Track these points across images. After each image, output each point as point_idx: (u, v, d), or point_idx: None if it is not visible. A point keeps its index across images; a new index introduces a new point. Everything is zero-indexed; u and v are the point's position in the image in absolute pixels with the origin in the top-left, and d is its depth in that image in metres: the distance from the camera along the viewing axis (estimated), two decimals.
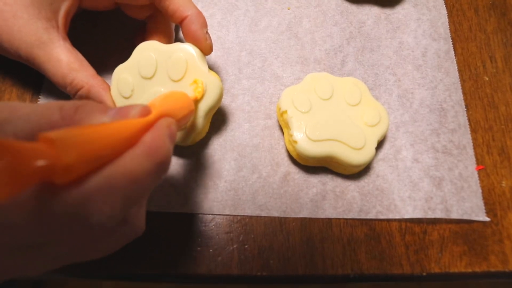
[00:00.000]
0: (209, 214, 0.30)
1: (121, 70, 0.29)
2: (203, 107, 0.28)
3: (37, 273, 0.18)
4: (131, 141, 0.17)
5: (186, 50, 0.28)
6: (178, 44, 0.28)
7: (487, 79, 0.35)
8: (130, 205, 0.17)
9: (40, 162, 0.12)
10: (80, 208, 0.15)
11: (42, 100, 0.32)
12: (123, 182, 0.16)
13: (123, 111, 0.18)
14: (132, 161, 0.16)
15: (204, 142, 0.32)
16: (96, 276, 0.29)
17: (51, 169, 0.13)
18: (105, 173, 0.15)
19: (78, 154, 0.14)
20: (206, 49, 0.28)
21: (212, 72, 0.29)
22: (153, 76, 0.28)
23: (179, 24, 0.28)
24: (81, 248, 0.18)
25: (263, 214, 0.30)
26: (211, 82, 0.28)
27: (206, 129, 0.30)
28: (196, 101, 0.27)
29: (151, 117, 0.19)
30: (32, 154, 0.12)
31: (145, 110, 0.19)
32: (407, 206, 0.30)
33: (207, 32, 0.28)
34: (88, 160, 0.15)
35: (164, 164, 0.18)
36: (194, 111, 0.27)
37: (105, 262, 0.28)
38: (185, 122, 0.25)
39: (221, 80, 0.32)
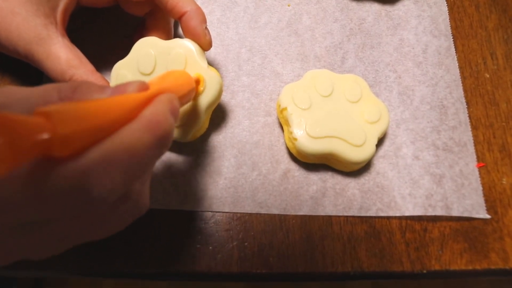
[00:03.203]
0: (208, 211, 0.30)
1: (120, 67, 0.29)
2: (203, 103, 0.28)
3: (43, 256, 0.18)
4: (130, 115, 0.17)
5: (185, 46, 0.28)
6: (177, 40, 0.28)
7: (488, 76, 0.35)
8: (131, 179, 0.17)
9: (38, 135, 0.12)
10: (80, 181, 0.14)
11: None
12: (123, 155, 0.15)
13: (121, 88, 0.18)
14: (132, 135, 0.16)
15: (204, 139, 0.31)
16: (96, 274, 0.29)
17: (49, 142, 0.13)
18: (104, 147, 0.15)
19: (75, 126, 0.14)
20: (205, 45, 0.28)
21: (211, 68, 0.28)
22: (152, 72, 0.28)
23: (178, 20, 0.28)
24: (84, 227, 0.17)
25: (263, 211, 0.30)
26: (210, 77, 0.28)
27: (206, 125, 0.30)
28: (197, 84, 0.27)
29: (150, 92, 0.19)
30: (30, 128, 0.12)
31: (143, 86, 0.19)
32: (408, 204, 0.30)
33: (206, 27, 0.28)
34: (86, 133, 0.15)
35: (165, 139, 0.18)
36: (195, 90, 0.26)
37: (105, 260, 0.28)
38: (187, 100, 0.24)
39: (221, 76, 0.32)
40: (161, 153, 0.18)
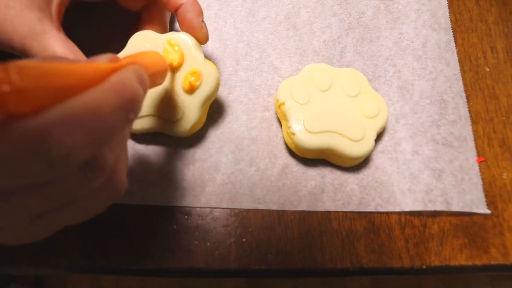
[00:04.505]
0: (206, 207, 0.30)
1: None
2: (200, 96, 0.28)
3: (12, 240, 0.17)
4: (97, 81, 0.17)
5: (181, 39, 0.27)
6: (173, 33, 0.28)
7: (488, 70, 0.35)
8: (96, 142, 0.16)
9: None
10: (38, 138, 0.14)
11: None
12: (85, 114, 0.15)
13: (92, 58, 0.18)
14: (96, 95, 0.16)
15: (201, 134, 0.31)
16: (94, 271, 0.29)
17: (6, 95, 0.12)
18: (66, 105, 0.15)
19: (36, 82, 0.13)
20: (202, 38, 0.28)
21: (208, 61, 0.28)
22: None
23: (174, 13, 0.28)
24: (55, 202, 0.17)
25: (261, 207, 0.29)
26: (207, 71, 0.27)
27: (203, 119, 0.30)
28: (173, 68, 0.27)
29: (119, 63, 0.19)
30: None
31: (113, 57, 0.19)
32: (407, 199, 0.30)
33: (202, 20, 0.28)
34: (48, 90, 0.14)
35: (130, 102, 0.17)
36: (167, 71, 0.26)
37: (103, 256, 0.28)
38: (159, 79, 0.24)
39: (218, 70, 0.31)
40: (128, 119, 0.18)
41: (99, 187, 0.18)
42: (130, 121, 0.18)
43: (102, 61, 0.18)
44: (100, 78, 0.17)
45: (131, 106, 0.17)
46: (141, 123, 0.29)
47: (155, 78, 0.23)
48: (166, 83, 0.28)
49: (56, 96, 0.14)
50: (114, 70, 0.18)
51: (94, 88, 0.16)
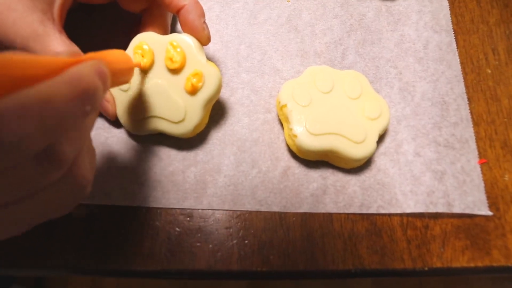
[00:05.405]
0: (208, 209, 0.30)
1: None
2: (202, 97, 0.28)
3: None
4: (56, 73, 0.17)
5: (183, 40, 0.27)
6: (175, 34, 0.28)
7: (489, 71, 0.35)
8: (49, 132, 0.16)
9: None
10: None
11: None
12: (38, 104, 0.15)
13: (54, 54, 0.18)
14: (50, 86, 0.16)
15: (203, 136, 0.31)
16: (96, 273, 0.29)
17: None
18: (19, 94, 0.15)
19: None
20: (204, 40, 0.28)
21: (210, 63, 0.28)
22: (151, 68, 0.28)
23: (176, 14, 0.28)
24: (13, 194, 0.17)
25: (263, 209, 0.29)
26: (209, 72, 0.27)
27: (206, 120, 0.30)
28: (143, 69, 0.28)
29: (80, 58, 0.19)
30: None
31: (75, 54, 0.19)
32: (409, 201, 0.30)
33: (204, 22, 0.28)
34: (2, 79, 0.14)
35: (86, 94, 0.17)
36: (134, 70, 0.27)
37: (104, 258, 0.28)
38: (124, 76, 0.25)
39: (220, 71, 0.31)
40: (83, 111, 0.18)
41: (60, 181, 0.18)
42: (86, 113, 0.18)
43: (64, 55, 0.18)
44: (59, 71, 0.17)
45: (86, 97, 0.18)
46: (144, 125, 0.29)
47: (119, 75, 0.24)
48: (168, 84, 0.28)
49: (12, 87, 0.15)
50: (74, 64, 0.18)
51: (50, 79, 0.16)
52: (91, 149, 0.21)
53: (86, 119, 0.19)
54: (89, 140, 0.21)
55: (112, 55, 0.24)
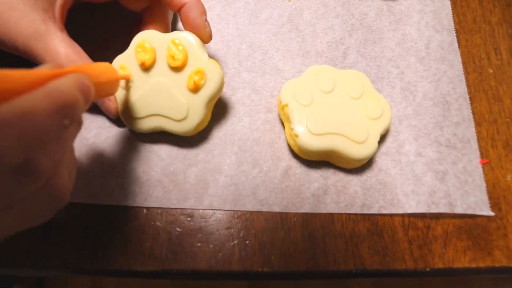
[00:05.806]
0: (209, 209, 0.29)
1: (119, 61, 0.28)
2: (204, 95, 0.28)
3: None
4: (36, 87, 0.17)
5: (185, 38, 0.27)
6: (176, 32, 0.28)
7: (491, 71, 0.34)
8: (28, 145, 0.16)
9: None
10: None
11: None
12: (17, 118, 0.15)
13: (36, 67, 0.18)
14: (28, 100, 0.16)
15: (204, 136, 0.31)
16: (97, 273, 0.28)
17: None
18: None
19: None
20: (205, 37, 0.28)
21: (212, 60, 0.28)
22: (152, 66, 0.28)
23: (178, 12, 0.28)
24: None
25: (264, 209, 0.29)
26: (211, 70, 0.27)
27: (208, 118, 0.30)
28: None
29: (62, 70, 0.19)
30: None
31: (58, 66, 0.19)
32: (410, 201, 0.30)
33: (206, 19, 0.28)
34: None
35: (66, 108, 0.17)
36: (119, 82, 0.27)
37: (106, 258, 0.28)
38: (109, 89, 0.25)
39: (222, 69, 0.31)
40: (62, 125, 0.18)
41: (38, 192, 0.18)
42: (65, 126, 0.18)
43: (45, 68, 0.18)
44: (39, 84, 0.17)
45: (66, 111, 0.17)
46: (146, 123, 0.29)
47: (104, 87, 0.24)
48: (170, 82, 0.28)
49: None
50: (57, 76, 0.18)
51: (29, 93, 0.16)
52: (72, 159, 0.21)
53: (66, 132, 0.18)
54: (70, 150, 0.21)
55: (96, 67, 0.24)
